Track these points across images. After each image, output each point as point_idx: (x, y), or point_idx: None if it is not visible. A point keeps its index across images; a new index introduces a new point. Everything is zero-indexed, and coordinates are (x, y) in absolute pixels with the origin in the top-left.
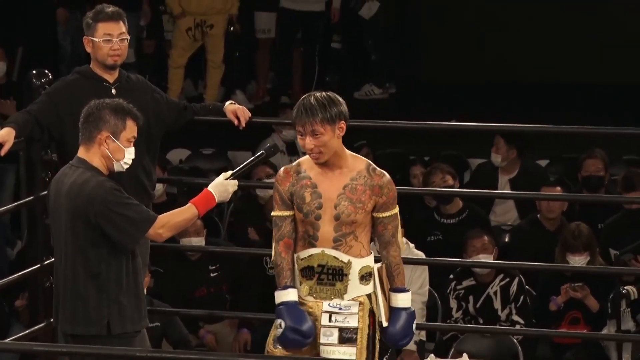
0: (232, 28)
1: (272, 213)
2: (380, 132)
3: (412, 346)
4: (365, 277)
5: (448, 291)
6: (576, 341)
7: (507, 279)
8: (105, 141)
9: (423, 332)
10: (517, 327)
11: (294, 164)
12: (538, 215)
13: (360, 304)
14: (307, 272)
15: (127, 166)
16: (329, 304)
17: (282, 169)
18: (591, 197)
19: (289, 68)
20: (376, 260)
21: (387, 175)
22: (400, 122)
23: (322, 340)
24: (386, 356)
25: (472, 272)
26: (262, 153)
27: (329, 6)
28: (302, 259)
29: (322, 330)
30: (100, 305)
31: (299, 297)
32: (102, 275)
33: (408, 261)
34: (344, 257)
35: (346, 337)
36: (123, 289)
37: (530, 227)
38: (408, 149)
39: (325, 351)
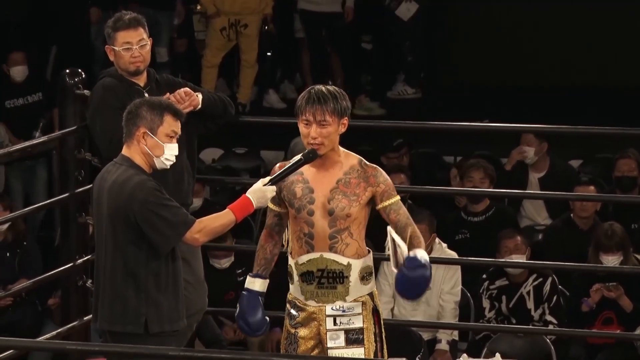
0: (266, 27)
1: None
2: (412, 131)
3: (444, 345)
4: (366, 277)
5: (481, 291)
6: (609, 341)
7: (540, 279)
8: (143, 137)
9: (456, 332)
10: (550, 327)
11: (290, 160)
12: (571, 215)
13: (363, 303)
14: (307, 276)
15: (170, 162)
16: (331, 308)
17: (278, 164)
18: (623, 198)
19: (325, 68)
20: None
21: (379, 168)
22: (436, 123)
23: (330, 344)
24: (419, 356)
25: (505, 272)
26: (301, 159)
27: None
28: (301, 264)
29: (328, 334)
30: (138, 303)
31: (301, 301)
32: (141, 274)
33: (441, 261)
34: (343, 260)
35: (352, 338)
36: (162, 288)
37: (564, 226)
38: (439, 149)
39: (333, 355)
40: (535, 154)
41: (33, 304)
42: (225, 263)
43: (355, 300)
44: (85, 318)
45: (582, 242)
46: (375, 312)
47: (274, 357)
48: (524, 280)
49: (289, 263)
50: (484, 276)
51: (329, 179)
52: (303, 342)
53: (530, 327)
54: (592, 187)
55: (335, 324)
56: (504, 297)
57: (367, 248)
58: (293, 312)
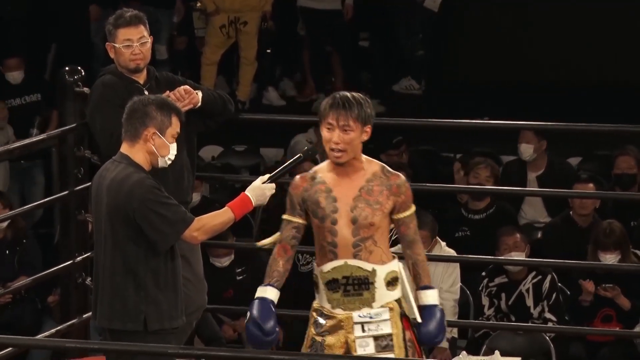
0: (265, 25)
1: (283, 215)
2: (412, 128)
3: (444, 343)
4: (392, 282)
5: (480, 288)
6: (609, 339)
7: (540, 277)
8: (152, 137)
9: (455, 329)
10: (550, 324)
11: (310, 171)
12: (570, 212)
13: (390, 309)
14: (333, 285)
15: (170, 162)
16: (359, 315)
17: (298, 176)
18: (623, 195)
19: (325, 66)
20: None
21: (402, 175)
22: (436, 120)
23: (359, 351)
24: None
25: (504, 270)
26: (300, 156)
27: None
28: (325, 272)
29: (357, 341)
30: (137, 301)
31: (328, 310)
32: (140, 272)
33: (440, 259)
34: (368, 266)
35: (382, 344)
36: (161, 286)
37: (563, 223)
38: (439, 146)
39: None
40: (534, 151)
41: (32, 302)
42: (225, 262)
43: (382, 307)
44: (84, 316)
45: (581, 240)
46: (404, 317)
47: (273, 355)
48: (524, 277)
49: (314, 272)
50: (484, 273)
51: (352, 187)
52: (330, 350)
53: (529, 324)
54: (591, 185)
55: (363, 330)
56: (503, 295)
57: (392, 254)
58: (320, 320)
